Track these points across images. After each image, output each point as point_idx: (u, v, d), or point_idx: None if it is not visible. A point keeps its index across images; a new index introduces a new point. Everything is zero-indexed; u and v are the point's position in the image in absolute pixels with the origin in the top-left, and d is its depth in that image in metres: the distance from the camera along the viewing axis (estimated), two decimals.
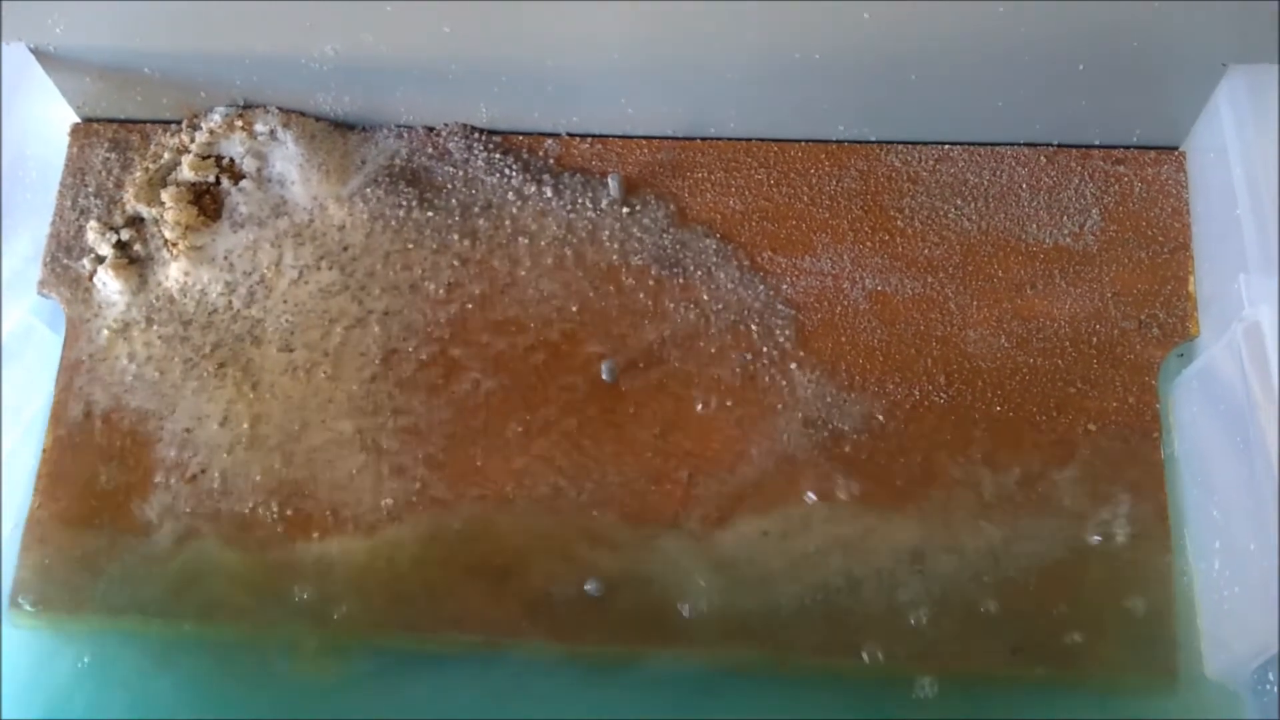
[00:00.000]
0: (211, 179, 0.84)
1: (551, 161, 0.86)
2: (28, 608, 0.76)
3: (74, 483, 0.79)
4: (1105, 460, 0.76)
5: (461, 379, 0.79)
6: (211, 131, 0.85)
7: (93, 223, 0.84)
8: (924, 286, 0.81)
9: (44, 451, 0.79)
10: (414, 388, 0.79)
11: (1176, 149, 0.84)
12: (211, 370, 0.80)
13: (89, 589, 0.76)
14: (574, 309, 0.81)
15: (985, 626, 0.73)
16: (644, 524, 0.76)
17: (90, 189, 0.86)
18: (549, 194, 0.84)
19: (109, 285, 0.82)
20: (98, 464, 0.79)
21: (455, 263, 0.82)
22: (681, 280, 0.81)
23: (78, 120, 0.88)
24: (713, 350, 0.79)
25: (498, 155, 0.85)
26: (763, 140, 0.85)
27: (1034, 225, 0.82)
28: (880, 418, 0.78)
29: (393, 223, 0.83)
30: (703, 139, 0.86)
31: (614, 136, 0.86)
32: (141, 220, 0.84)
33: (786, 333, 0.80)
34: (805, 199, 0.84)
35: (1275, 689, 0.69)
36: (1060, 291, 0.80)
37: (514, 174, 0.85)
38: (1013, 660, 0.72)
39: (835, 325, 0.80)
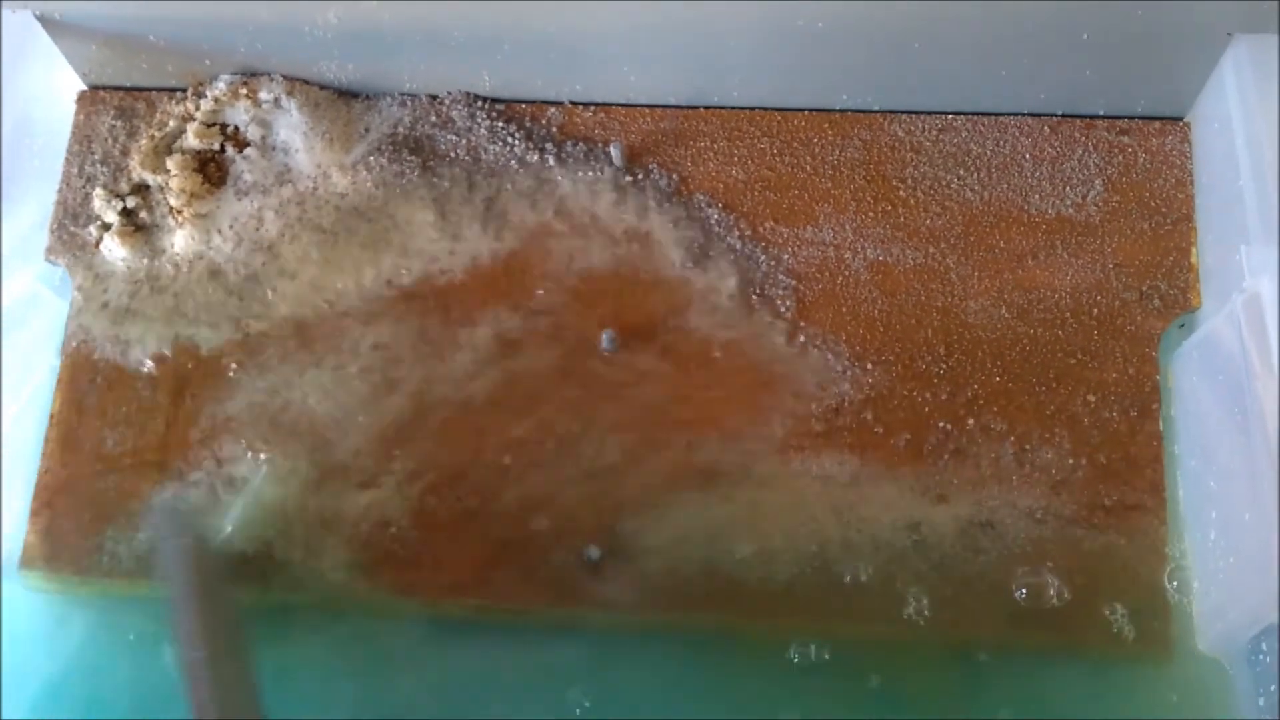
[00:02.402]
0: (216, 147, 0.85)
1: (554, 130, 0.86)
2: (36, 572, 0.77)
3: (82, 447, 0.79)
4: (1104, 431, 0.76)
5: (463, 346, 0.80)
6: (216, 99, 0.85)
7: (99, 190, 0.84)
8: (925, 257, 0.81)
9: (52, 416, 0.80)
10: (416, 354, 0.80)
11: (1181, 120, 0.83)
12: (217, 336, 0.81)
13: (97, 554, 0.77)
14: (575, 278, 0.81)
15: (980, 596, 0.73)
16: (644, 492, 0.76)
17: (97, 156, 0.86)
18: (551, 163, 0.84)
19: (115, 252, 0.83)
20: (105, 429, 0.80)
21: (457, 231, 0.83)
22: (683, 250, 0.81)
23: (84, 88, 0.88)
24: (713, 320, 0.80)
25: (500, 124, 0.85)
26: (766, 109, 0.85)
27: (1037, 196, 0.82)
28: (880, 388, 0.78)
29: (396, 191, 0.83)
30: (706, 108, 0.86)
31: (617, 105, 0.86)
32: (147, 188, 0.85)
33: (787, 303, 0.80)
34: (808, 168, 0.84)
35: (1270, 659, 0.69)
36: (1062, 262, 0.80)
37: (517, 142, 0.85)
38: (1008, 630, 0.73)
39: (836, 296, 0.80)
